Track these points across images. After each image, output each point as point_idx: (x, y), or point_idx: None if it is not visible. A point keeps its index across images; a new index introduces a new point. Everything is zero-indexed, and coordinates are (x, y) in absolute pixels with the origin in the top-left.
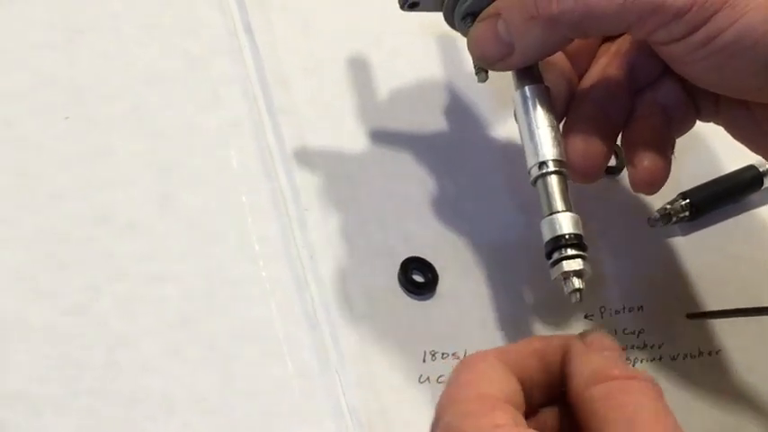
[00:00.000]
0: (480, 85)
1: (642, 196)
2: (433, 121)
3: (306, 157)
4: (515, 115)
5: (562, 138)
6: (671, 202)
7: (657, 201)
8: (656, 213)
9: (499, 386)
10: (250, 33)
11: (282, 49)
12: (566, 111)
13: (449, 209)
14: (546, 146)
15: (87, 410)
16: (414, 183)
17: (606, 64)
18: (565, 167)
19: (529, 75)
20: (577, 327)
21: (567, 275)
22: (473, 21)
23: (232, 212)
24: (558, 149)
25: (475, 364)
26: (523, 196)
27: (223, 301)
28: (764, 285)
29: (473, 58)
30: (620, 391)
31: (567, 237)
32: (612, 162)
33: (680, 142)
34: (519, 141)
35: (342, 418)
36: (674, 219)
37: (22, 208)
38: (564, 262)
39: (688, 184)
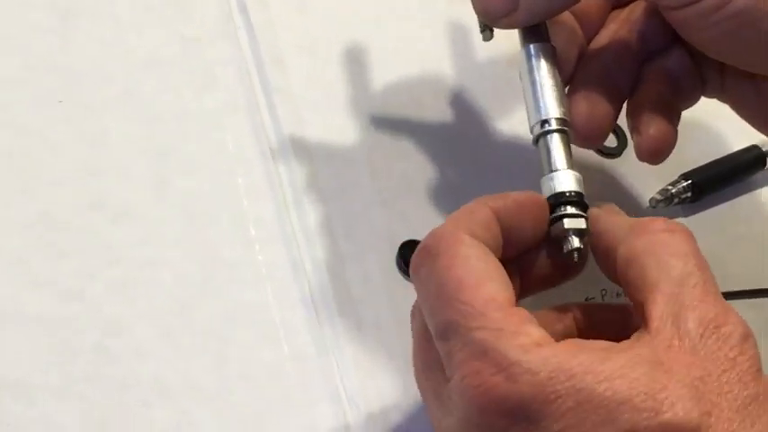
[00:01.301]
0: (484, 69)
1: (643, 178)
2: (434, 105)
3: (302, 139)
4: (520, 74)
5: (566, 98)
6: (673, 183)
7: (659, 182)
8: (658, 195)
9: (501, 285)
10: (245, 14)
11: (278, 30)
12: (572, 73)
13: (448, 192)
14: (549, 104)
15: (81, 396)
16: (413, 165)
17: (616, 29)
18: (568, 126)
19: (535, 33)
20: None
21: (566, 233)
22: None
23: (227, 195)
24: (562, 108)
25: (456, 252)
26: (524, 181)
27: (218, 285)
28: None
29: (477, 15)
30: (665, 246)
31: (567, 194)
32: (613, 143)
33: (682, 123)
34: (522, 128)
35: (339, 402)
36: (676, 200)
37: (15, 193)
38: (564, 219)
39: (690, 165)
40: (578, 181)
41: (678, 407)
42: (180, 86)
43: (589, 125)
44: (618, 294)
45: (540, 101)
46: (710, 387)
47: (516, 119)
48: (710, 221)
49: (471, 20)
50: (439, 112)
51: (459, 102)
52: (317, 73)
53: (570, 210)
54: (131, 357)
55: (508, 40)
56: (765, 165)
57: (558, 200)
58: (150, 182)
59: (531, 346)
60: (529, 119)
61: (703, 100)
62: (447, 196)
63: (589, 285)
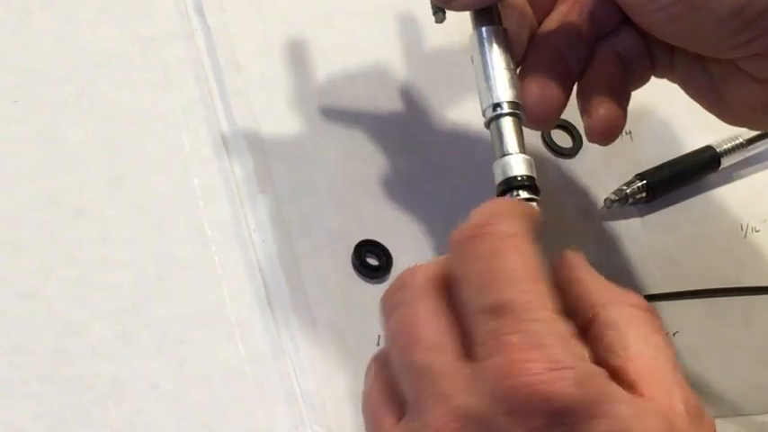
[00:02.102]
0: (435, 61)
1: (599, 178)
2: (389, 103)
3: (258, 140)
4: (471, 57)
5: (519, 81)
6: (627, 184)
7: (614, 182)
8: (613, 195)
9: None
10: (202, 15)
11: (234, 31)
12: (524, 56)
13: (404, 191)
14: (501, 87)
15: (37, 397)
16: (369, 165)
17: (567, 11)
18: (520, 110)
19: (487, 16)
20: None
21: None
22: None
23: (184, 196)
24: (514, 91)
25: (527, 242)
26: (480, 178)
27: (174, 286)
28: (721, 266)
29: None
30: (647, 323)
31: (519, 178)
32: (568, 144)
33: (637, 123)
34: (476, 121)
35: (295, 403)
36: (631, 200)
37: None
38: None
39: (645, 165)
40: (530, 165)
41: None
42: (136, 86)
43: (540, 107)
44: None
45: (492, 84)
46: None
47: (469, 110)
48: (665, 221)
49: (422, 11)
50: (393, 108)
51: (413, 96)
52: (272, 74)
53: (522, 194)
54: (88, 357)
55: (459, 30)
56: (719, 165)
57: (510, 184)
58: (106, 181)
59: (583, 357)
60: (481, 102)
61: (658, 101)
62: (404, 196)
63: None
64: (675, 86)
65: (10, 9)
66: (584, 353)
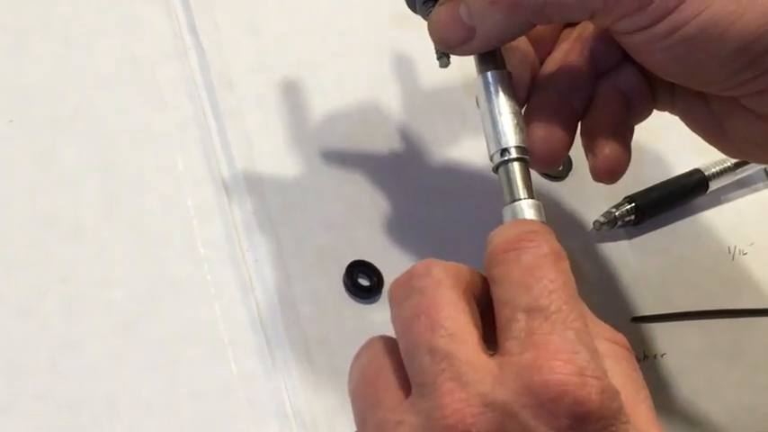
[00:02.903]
0: (432, 89)
1: (587, 201)
2: (383, 126)
3: (251, 161)
4: (477, 101)
5: (524, 124)
6: (616, 206)
7: (603, 204)
8: (602, 217)
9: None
10: (195, 35)
11: (228, 51)
12: (527, 96)
13: (396, 214)
14: (508, 132)
15: (31, 414)
16: (361, 187)
17: (568, 49)
18: (527, 154)
19: (491, 60)
20: None
21: None
22: (434, 4)
23: (177, 216)
24: (521, 136)
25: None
26: (470, 202)
27: (168, 305)
28: (709, 289)
29: (434, 42)
30: (626, 360)
31: None
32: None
33: None
34: (470, 149)
35: (286, 421)
36: (620, 223)
37: None
38: None
39: (634, 188)
40: (539, 210)
41: None
42: (130, 106)
43: (546, 150)
44: None
45: (499, 129)
46: None
47: (465, 143)
48: (653, 244)
49: (418, 44)
50: (387, 135)
51: (407, 126)
52: (266, 95)
53: None
54: (82, 375)
55: (457, 66)
56: (707, 188)
57: None
58: (101, 200)
59: (606, 373)
60: (488, 147)
61: (648, 123)
62: (395, 218)
63: None
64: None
65: (6, 30)
66: (606, 370)
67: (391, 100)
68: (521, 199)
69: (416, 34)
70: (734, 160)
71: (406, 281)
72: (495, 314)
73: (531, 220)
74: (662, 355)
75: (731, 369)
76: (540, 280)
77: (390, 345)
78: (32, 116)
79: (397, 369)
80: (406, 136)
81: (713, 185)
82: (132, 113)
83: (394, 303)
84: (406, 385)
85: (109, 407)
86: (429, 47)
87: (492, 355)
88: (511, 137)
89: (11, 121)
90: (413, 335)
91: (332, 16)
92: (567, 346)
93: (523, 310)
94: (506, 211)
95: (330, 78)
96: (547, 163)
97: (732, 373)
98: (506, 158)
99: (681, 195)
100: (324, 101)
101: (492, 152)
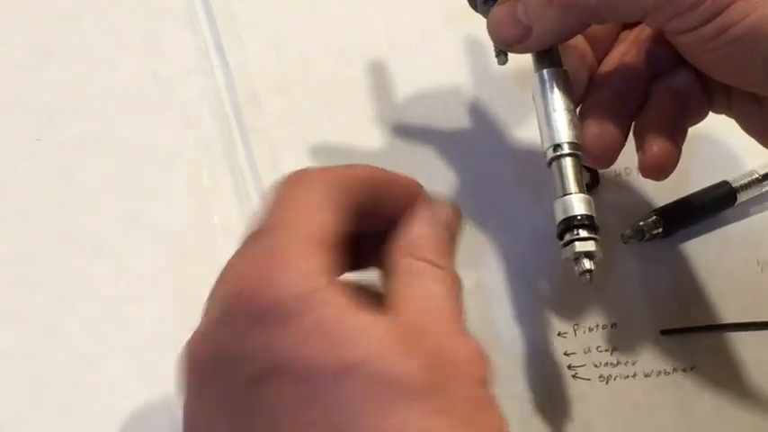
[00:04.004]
0: (464, 101)
1: (614, 213)
2: (406, 140)
3: (278, 177)
4: (533, 97)
5: (578, 121)
6: (644, 219)
7: (631, 217)
8: (630, 230)
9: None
10: (221, 52)
11: (254, 68)
12: (584, 95)
13: None
14: (562, 129)
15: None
16: None
17: (625, 50)
18: (580, 150)
19: (548, 58)
20: (559, 342)
21: (578, 256)
22: (494, 3)
23: (203, 233)
24: (574, 132)
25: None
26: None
27: (192, 323)
28: (737, 301)
29: (492, 41)
30: (420, 275)
31: (579, 217)
32: (586, 180)
33: None
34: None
35: None
36: (648, 235)
37: None
38: (576, 243)
39: (661, 201)
40: (589, 204)
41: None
42: (155, 124)
43: (600, 147)
44: (590, 329)
45: (553, 125)
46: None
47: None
48: (681, 257)
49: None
50: (414, 148)
51: (436, 140)
52: (292, 112)
53: (582, 233)
54: (105, 393)
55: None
56: (736, 200)
57: (570, 223)
58: (124, 217)
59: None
60: (542, 142)
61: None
62: None
63: (562, 320)
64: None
65: (30, 50)
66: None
67: (417, 114)
68: (571, 193)
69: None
70: (762, 171)
71: None
72: None
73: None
74: (691, 368)
75: (761, 382)
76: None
77: None
78: (57, 134)
79: None
80: (432, 153)
81: (741, 197)
82: (157, 131)
83: None
84: None
85: (134, 425)
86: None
87: None
88: (564, 133)
89: (38, 140)
90: None
91: (357, 32)
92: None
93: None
94: (557, 205)
95: (355, 95)
96: (599, 159)
97: (762, 386)
98: (559, 153)
99: (709, 208)
100: (348, 117)
101: (545, 147)
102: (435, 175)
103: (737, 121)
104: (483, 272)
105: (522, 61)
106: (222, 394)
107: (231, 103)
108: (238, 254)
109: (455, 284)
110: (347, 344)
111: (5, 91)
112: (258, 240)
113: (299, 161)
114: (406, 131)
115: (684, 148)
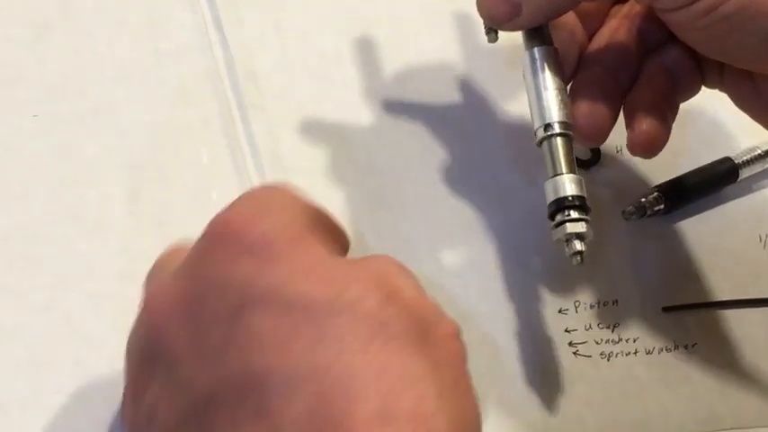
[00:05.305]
0: (456, 77)
1: (616, 190)
2: (408, 119)
3: (277, 154)
4: (523, 76)
5: (569, 100)
6: (645, 195)
7: (632, 194)
8: (631, 206)
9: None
10: (220, 29)
11: (253, 45)
12: (574, 72)
13: (420, 206)
14: (552, 108)
15: (56, 410)
16: (385, 180)
17: (616, 26)
18: (571, 130)
19: (538, 36)
20: (560, 319)
21: (569, 237)
22: None
23: (202, 209)
24: (564, 112)
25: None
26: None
27: None
28: (740, 278)
29: (482, 18)
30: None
31: (569, 198)
32: (587, 155)
33: None
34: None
35: None
36: (649, 212)
37: None
38: (567, 224)
39: (663, 177)
40: (580, 184)
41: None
42: (154, 100)
43: (590, 125)
44: (591, 306)
45: (544, 105)
46: None
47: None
48: (683, 233)
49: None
50: (414, 128)
51: (426, 130)
52: (291, 89)
53: (572, 214)
54: (106, 371)
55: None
56: (738, 177)
57: (561, 204)
58: (124, 194)
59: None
60: (533, 122)
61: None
62: (418, 210)
63: (562, 296)
64: (691, 100)
65: (28, 24)
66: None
67: (414, 95)
68: (562, 173)
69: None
70: (764, 148)
71: None
72: None
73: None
74: (693, 345)
75: (763, 359)
76: None
77: None
78: (56, 110)
79: None
80: (423, 134)
81: (744, 173)
82: (156, 107)
83: None
84: None
85: None
86: None
87: None
88: (555, 112)
89: (35, 116)
90: None
91: (356, 10)
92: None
93: None
94: (548, 185)
95: (353, 73)
96: (590, 138)
97: (764, 362)
98: (550, 133)
99: (711, 184)
100: (346, 94)
101: (536, 127)
102: (427, 151)
103: (730, 96)
104: (478, 248)
105: (513, 36)
106: (194, 329)
107: (230, 79)
108: (226, 207)
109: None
110: (339, 284)
111: (3, 67)
112: (248, 194)
113: (297, 138)
114: (397, 108)
115: (684, 124)
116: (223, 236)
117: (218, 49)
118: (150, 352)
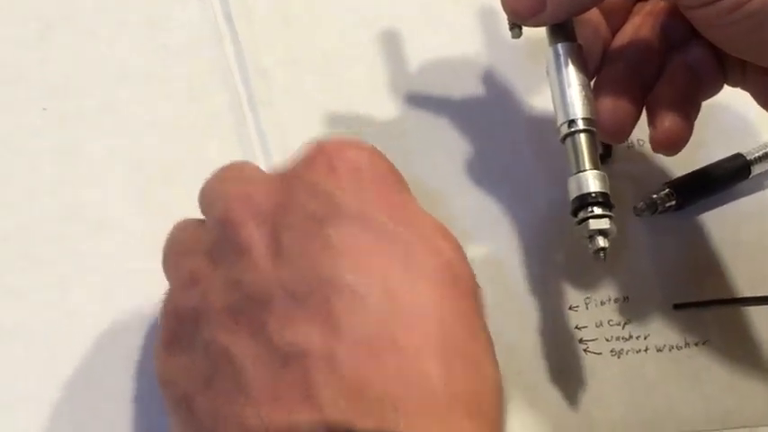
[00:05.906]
0: (478, 71)
1: (628, 186)
2: (418, 110)
3: (286, 149)
4: (547, 71)
5: (593, 96)
6: (657, 191)
7: (644, 189)
8: (643, 203)
9: None
10: (230, 23)
11: (263, 39)
12: (598, 69)
13: (430, 198)
14: (576, 104)
15: (60, 410)
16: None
17: (639, 23)
18: (594, 126)
19: (562, 32)
20: (571, 315)
21: (592, 234)
22: None
23: None
24: (588, 108)
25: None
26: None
27: None
28: (751, 275)
29: (506, 14)
30: None
31: (593, 195)
32: (600, 150)
33: None
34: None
35: None
36: (661, 208)
37: None
38: (590, 220)
39: (675, 173)
40: (604, 181)
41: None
42: (163, 96)
43: (613, 121)
44: (602, 303)
45: (568, 101)
46: None
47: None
48: (695, 230)
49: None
50: (421, 122)
51: (439, 124)
52: (301, 84)
53: (596, 210)
54: (111, 370)
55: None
56: (750, 173)
57: (584, 200)
58: (130, 191)
59: None
60: (556, 117)
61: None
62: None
63: (573, 293)
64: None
65: (31, 23)
66: None
67: (435, 87)
68: (585, 170)
69: None
70: None
71: None
72: None
73: None
74: (704, 343)
75: None
76: None
77: None
78: (62, 108)
79: None
80: (442, 128)
81: (755, 170)
82: (165, 103)
83: None
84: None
85: (144, 402)
86: None
87: None
88: (578, 108)
89: (42, 111)
90: None
91: (366, 4)
92: None
93: None
94: (571, 182)
95: (362, 69)
96: (614, 134)
97: None
98: (573, 130)
99: (722, 180)
100: (357, 91)
101: (560, 123)
102: (447, 145)
103: (752, 94)
104: (494, 242)
105: (536, 30)
106: (270, 230)
107: (240, 74)
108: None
109: None
110: (420, 228)
111: (8, 65)
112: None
113: (308, 133)
114: (417, 101)
115: (699, 119)
116: (316, 156)
117: (229, 43)
118: (219, 245)
